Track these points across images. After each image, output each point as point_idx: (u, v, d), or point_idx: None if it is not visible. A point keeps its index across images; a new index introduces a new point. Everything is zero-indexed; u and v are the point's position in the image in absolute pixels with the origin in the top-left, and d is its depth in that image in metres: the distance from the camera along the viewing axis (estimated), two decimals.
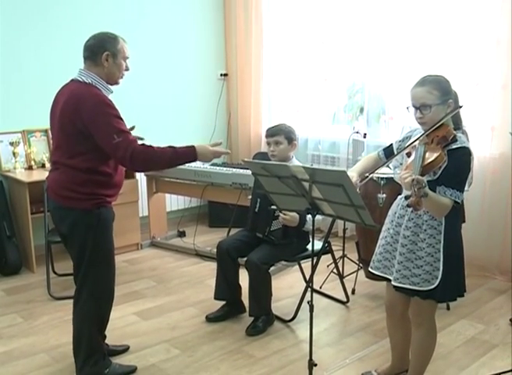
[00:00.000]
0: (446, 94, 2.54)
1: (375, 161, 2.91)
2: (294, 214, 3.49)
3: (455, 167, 2.46)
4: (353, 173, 2.71)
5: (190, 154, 2.91)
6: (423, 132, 2.57)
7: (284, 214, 3.47)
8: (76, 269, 3.01)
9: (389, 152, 2.85)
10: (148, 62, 5.75)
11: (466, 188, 2.55)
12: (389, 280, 2.75)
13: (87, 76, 2.87)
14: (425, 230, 2.58)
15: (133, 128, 3.05)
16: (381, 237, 2.82)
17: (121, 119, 2.85)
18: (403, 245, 2.64)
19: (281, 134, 3.73)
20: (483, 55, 4.44)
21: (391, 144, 2.87)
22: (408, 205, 2.31)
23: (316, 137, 5.75)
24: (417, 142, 2.52)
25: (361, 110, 5.46)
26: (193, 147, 2.92)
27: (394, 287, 2.70)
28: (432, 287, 2.57)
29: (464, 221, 4.05)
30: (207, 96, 6.33)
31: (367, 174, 2.76)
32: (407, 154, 2.57)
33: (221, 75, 6.44)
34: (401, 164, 2.71)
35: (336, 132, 5.64)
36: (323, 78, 5.64)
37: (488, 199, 4.49)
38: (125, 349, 3.42)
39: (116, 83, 2.99)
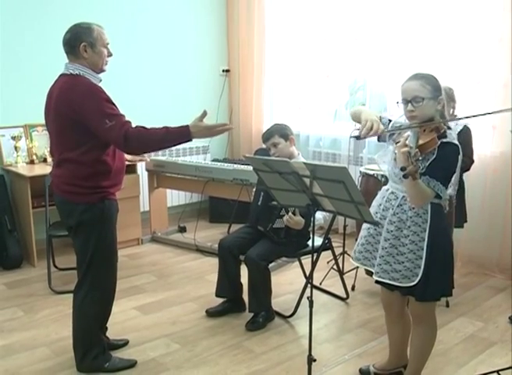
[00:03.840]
0: (438, 90, 2.55)
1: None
2: (299, 218, 3.49)
3: (442, 161, 2.47)
4: (374, 119, 2.54)
5: (183, 132, 2.86)
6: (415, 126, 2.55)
7: (290, 217, 3.48)
8: (79, 261, 3.04)
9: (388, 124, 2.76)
10: (150, 57, 5.76)
11: (451, 191, 2.52)
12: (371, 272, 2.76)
13: (74, 68, 2.88)
14: (409, 227, 2.58)
15: (205, 114, 2.87)
16: (363, 227, 2.82)
17: (112, 103, 2.85)
18: (386, 239, 2.64)
19: (274, 135, 3.75)
20: (485, 53, 4.44)
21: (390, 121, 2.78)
22: (405, 176, 2.29)
23: (317, 134, 5.76)
24: (409, 131, 2.48)
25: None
26: (186, 125, 2.87)
27: (376, 281, 2.71)
28: (412, 284, 2.57)
29: (465, 221, 4.07)
30: (209, 92, 6.33)
31: (389, 127, 2.61)
32: (396, 143, 2.49)
33: (223, 71, 6.44)
34: (393, 160, 2.63)
35: (337, 129, 5.64)
36: (325, 75, 5.64)
37: (488, 198, 4.49)
38: (125, 343, 3.43)
39: (102, 70, 2.98)
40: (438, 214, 2.57)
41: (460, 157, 2.55)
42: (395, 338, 2.98)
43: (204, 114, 2.86)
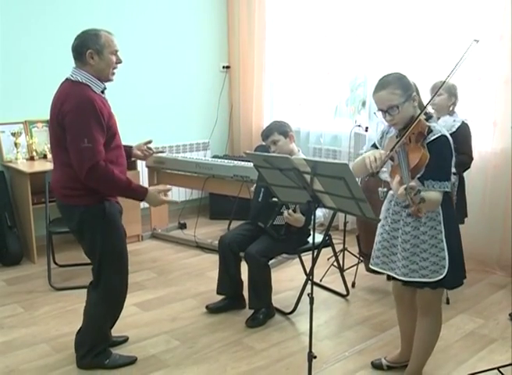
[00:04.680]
0: (408, 89, 2.56)
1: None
2: (300, 216, 3.49)
3: (438, 159, 2.47)
4: (371, 152, 2.59)
5: (140, 193, 2.98)
6: (397, 131, 2.61)
7: (289, 214, 3.48)
8: (92, 263, 3.06)
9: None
10: (150, 54, 5.75)
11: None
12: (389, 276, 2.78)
13: (78, 74, 2.86)
14: (425, 223, 2.60)
15: (169, 189, 3.15)
16: (377, 233, 2.85)
17: (101, 125, 2.79)
18: (405, 241, 2.66)
19: (274, 132, 3.75)
20: (486, 50, 4.42)
21: (374, 143, 2.88)
22: (409, 215, 2.34)
23: (318, 131, 5.75)
24: (397, 146, 2.49)
25: (363, 104, 5.45)
26: (146, 190, 3.00)
27: (403, 282, 2.72)
28: (441, 276, 2.61)
29: (466, 216, 4.07)
30: (209, 88, 6.32)
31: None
32: (390, 158, 2.55)
33: (223, 67, 6.42)
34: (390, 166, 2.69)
35: (337, 125, 5.63)
36: (325, 71, 5.63)
37: (489, 194, 4.49)
38: (124, 340, 3.43)
39: (108, 79, 2.94)
40: (447, 202, 2.60)
41: (452, 144, 2.56)
42: (405, 329, 3.01)
43: (168, 189, 3.11)
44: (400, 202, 2.65)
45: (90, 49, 2.84)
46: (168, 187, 3.19)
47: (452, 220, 2.65)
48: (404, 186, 2.27)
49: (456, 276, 2.68)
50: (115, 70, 2.96)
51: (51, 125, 2.92)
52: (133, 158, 3.47)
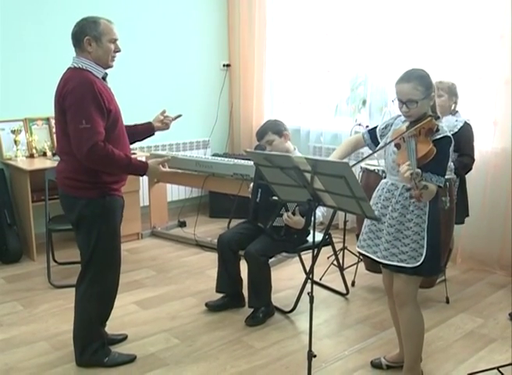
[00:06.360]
0: (429, 88, 2.66)
1: (357, 142, 3.02)
2: (299, 218, 3.49)
3: (440, 156, 2.59)
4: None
5: (141, 168, 3.01)
6: (407, 122, 2.71)
7: (288, 216, 3.47)
8: (81, 256, 3.04)
9: (373, 135, 2.94)
10: (151, 51, 5.74)
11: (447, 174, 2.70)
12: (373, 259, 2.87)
13: (78, 62, 2.87)
14: (412, 211, 2.70)
15: (168, 159, 3.16)
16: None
17: (101, 107, 2.79)
18: (391, 225, 2.75)
19: (268, 132, 3.74)
20: (486, 49, 4.42)
21: (375, 128, 2.96)
22: (411, 197, 2.47)
23: (318, 129, 5.75)
24: (406, 135, 2.61)
25: (364, 102, 5.44)
26: (146, 163, 3.02)
27: (382, 264, 2.81)
28: (418, 263, 2.69)
29: (467, 215, 4.07)
30: (209, 86, 6.31)
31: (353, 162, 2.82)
32: (395, 145, 2.67)
33: (223, 65, 6.42)
34: (391, 155, 2.75)
35: (338, 124, 5.62)
36: (326, 70, 5.63)
37: (489, 194, 4.48)
38: (123, 338, 3.43)
39: (108, 66, 2.94)
40: (436, 196, 2.68)
41: (452, 145, 2.69)
42: (399, 324, 3.00)
43: (167, 160, 3.11)
44: (392, 189, 2.76)
45: (88, 36, 2.84)
46: (167, 157, 3.20)
47: (436, 213, 2.75)
48: (411, 171, 2.40)
49: (432, 266, 2.75)
50: (114, 58, 2.96)
51: (55, 113, 2.91)
52: (156, 132, 3.43)
